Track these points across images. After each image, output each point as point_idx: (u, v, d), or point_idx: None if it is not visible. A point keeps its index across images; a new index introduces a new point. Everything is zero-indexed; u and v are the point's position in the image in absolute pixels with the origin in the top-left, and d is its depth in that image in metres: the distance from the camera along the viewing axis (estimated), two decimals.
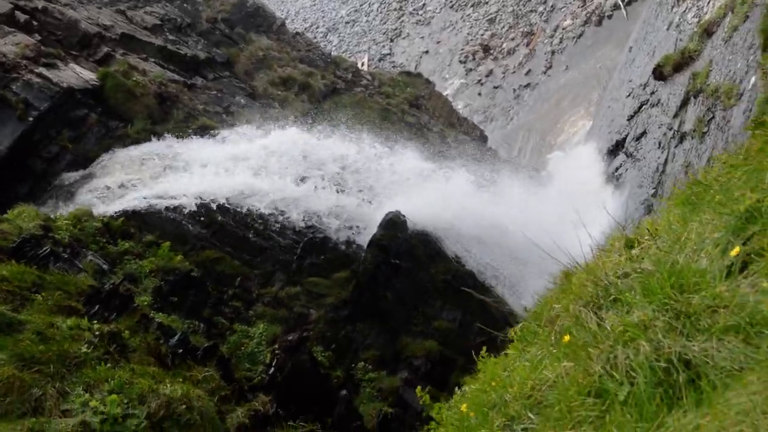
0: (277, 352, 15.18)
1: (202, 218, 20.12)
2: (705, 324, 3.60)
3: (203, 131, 24.31)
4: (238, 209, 20.88)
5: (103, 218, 18.08)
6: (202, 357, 11.91)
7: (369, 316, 19.79)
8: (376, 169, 25.26)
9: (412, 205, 22.44)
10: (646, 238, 5.48)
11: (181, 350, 11.24)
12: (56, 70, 22.34)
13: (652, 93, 25.60)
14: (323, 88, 33.03)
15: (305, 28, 66.37)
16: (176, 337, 11.67)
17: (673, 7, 27.47)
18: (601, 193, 27.83)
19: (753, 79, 14.25)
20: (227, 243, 20.10)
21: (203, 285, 17.24)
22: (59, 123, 21.30)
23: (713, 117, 17.30)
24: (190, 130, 24.06)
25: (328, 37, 67.08)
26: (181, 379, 9.67)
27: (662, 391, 3.35)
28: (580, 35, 49.53)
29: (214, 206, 20.50)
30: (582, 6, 51.12)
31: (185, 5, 33.05)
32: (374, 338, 19.36)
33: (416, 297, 20.87)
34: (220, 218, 20.41)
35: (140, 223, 19.06)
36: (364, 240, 21.58)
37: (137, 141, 22.54)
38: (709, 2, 23.19)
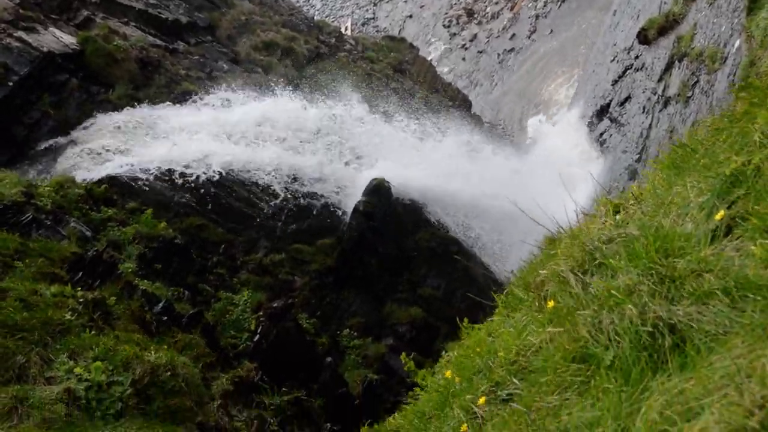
0: (261, 319, 15.19)
1: (185, 185, 20.03)
2: (690, 288, 3.60)
3: (186, 96, 24.10)
4: (221, 176, 20.79)
5: (85, 185, 17.95)
6: (187, 324, 11.90)
7: (354, 283, 19.86)
8: (360, 133, 25.18)
9: (396, 171, 22.42)
10: (631, 202, 5.48)
11: (165, 317, 11.22)
12: (36, 34, 22.03)
13: (637, 57, 25.54)
14: (307, 53, 32.78)
15: None
16: (161, 304, 11.64)
17: None
18: (587, 158, 27.88)
19: (737, 42, 14.22)
20: (211, 210, 20.03)
21: (187, 252, 17.19)
22: (40, 88, 21.05)
23: (697, 81, 17.29)
24: (172, 96, 23.86)
25: (311, 1, 66.46)
26: (165, 346, 9.66)
27: (647, 356, 3.35)
28: None
29: (197, 173, 20.40)
30: None
31: None
32: (359, 305, 19.44)
33: (401, 264, 20.94)
34: (203, 185, 20.32)
35: (123, 189, 18.96)
36: (348, 206, 21.57)
37: (119, 106, 22.32)
38: None
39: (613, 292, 3.80)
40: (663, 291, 3.66)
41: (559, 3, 49.32)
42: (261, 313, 15.70)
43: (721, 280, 3.52)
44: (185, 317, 12.14)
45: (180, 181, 20.01)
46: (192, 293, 15.59)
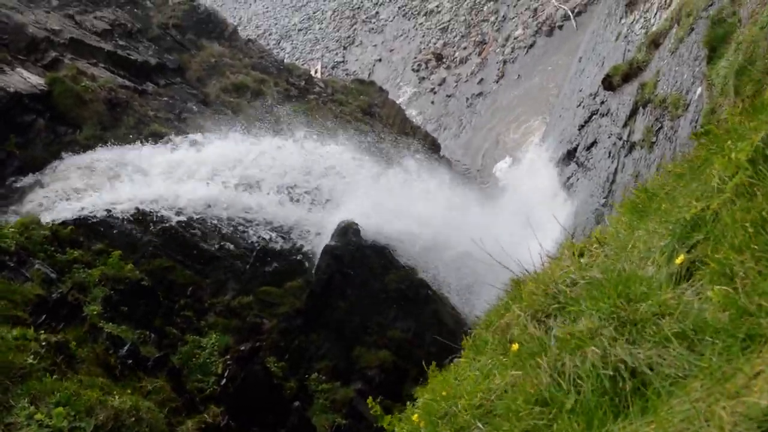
0: (229, 362, 15.05)
1: (152, 226, 19.89)
2: (651, 332, 3.64)
3: (154, 138, 24.03)
4: (190, 217, 20.68)
5: (51, 226, 17.76)
6: (153, 368, 11.76)
7: (323, 326, 19.74)
8: (330, 176, 25.22)
9: (365, 215, 22.44)
10: (595, 246, 5.54)
11: (130, 361, 11.08)
12: (3, 75, 21.94)
13: (602, 103, 25.91)
14: (276, 95, 32.88)
15: (258, 35, 66.03)
16: (126, 348, 11.51)
17: (621, 18, 27.88)
18: (553, 202, 28.07)
19: (699, 90, 14.52)
20: (179, 251, 19.88)
21: (154, 294, 17.01)
22: (6, 128, 20.90)
23: (661, 127, 17.58)
24: (141, 137, 23.78)
25: (281, 44, 66.80)
26: (130, 391, 9.54)
27: (608, 400, 3.38)
28: (532, 45, 49.99)
29: (165, 214, 20.27)
30: (533, 16, 51.64)
31: (136, 10, 32.70)
32: (328, 348, 19.30)
33: (370, 306, 20.86)
34: (171, 226, 20.19)
35: (90, 231, 18.77)
36: (317, 248, 21.53)
37: (87, 147, 22.20)
38: (656, 14, 23.58)
39: (575, 335, 3.84)
40: (624, 334, 3.71)
41: (526, 49, 50.02)
42: (228, 357, 15.56)
43: (681, 324, 3.57)
44: (151, 361, 12.00)
45: (147, 223, 19.86)
46: (158, 336, 15.40)
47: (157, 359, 12.09)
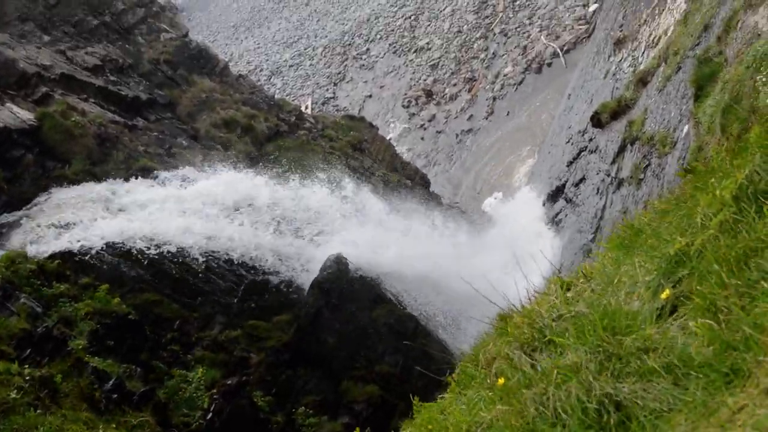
0: (215, 396, 14.95)
1: (140, 260, 19.82)
2: (635, 366, 3.67)
3: (144, 173, 24.02)
4: (178, 251, 20.63)
5: (37, 260, 17.69)
6: (138, 402, 11.66)
7: (310, 360, 19.64)
8: (318, 210, 25.24)
9: (354, 248, 22.44)
10: (581, 281, 5.58)
11: (116, 395, 10.99)
12: None
13: (591, 140, 26.10)
14: (266, 130, 32.95)
15: (249, 71, 66.38)
16: (111, 382, 11.41)
17: (609, 56, 28.19)
18: (542, 238, 28.15)
19: (686, 128, 14.64)
20: (166, 285, 19.79)
21: (141, 328, 16.90)
22: None
23: (649, 164, 17.70)
24: (130, 172, 23.78)
25: (271, 80, 67.17)
26: (115, 425, 9.46)
27: None
28: (521, 82, 50.43)
29: (152, 248, 20.21)
30: (522, 54, 52.16)
31: (127, 46, 32.86)
32: (315, 383, 19.19)
33: (358, 341, 20.79)
34: (158, 260, 20.12)
35: (77, 265, 18.69)
36: (305, 282, 21.48)
37: (75, 182, 22.15)
38: (644, 53, 23.85)
39: (560, 369, 3.85)
40: (609, 368, 3.72)
41: (515, 86, 50.44)
42: (215, 391, 15.46)
43: (666, 358, 3.60)
44: (136, 395, 11.91)
45: (135, 257, 19.79)
46: (145, 370, 15.26)
47: (143, 393, 12.00)
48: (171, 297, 19.57)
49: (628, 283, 4.87)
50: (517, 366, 4.34)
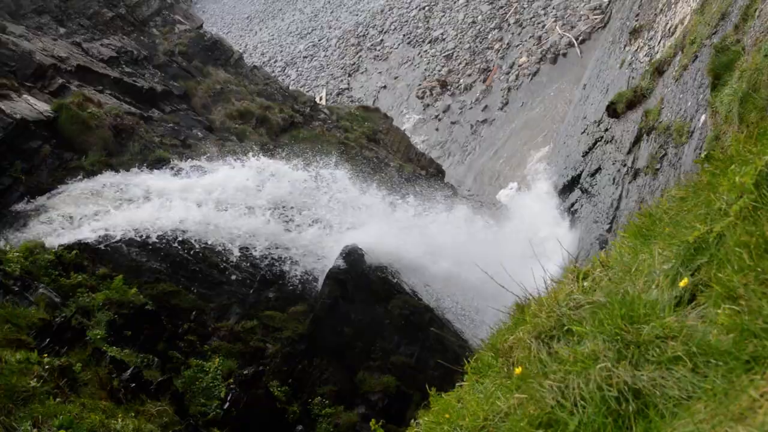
0: (232, 386, 15.01)
1: (157, 251, 19.90)
2: (654, 354, 3.64)
3: (159, 163, 24.12)
4: (194, 242, 20.71)
5: (56, 250, 17.79)
6: (156, 391, 11.71)
7: (326, 351, 19.68)
8: (334, 201, 25.25)
9: (370, 238, 22.43)
10: (599, 270, 5.53)
11: (133, 384, 11.04)
12: (9, 101, 22.06)
13: (606, 130, 25.97)
14: (281, 121, 33.04)
15: (263, 62, 66.52)
16: (129, 371, 11.47)
17: (625, 46, 28.02)
18: (558, 228, 28.08)
19: (703, 117, 14.55)
20: (182, 276, 19.88)
21: (158, 319, 16.97)
22: (12, 154, 20.98)
23: (665, 154, 17.59)
24: (146, 163, 23.88)
25: (286, 71, 67.23)
26: (133, 414, 9.51)
27: (612, 421, 3.38)
28: (536, 72, 50.23)
29: (169, 239, 20.29)
30: (537, 44, 51.93)
31: (142, 38, 32.98)
32: (331, 373, 19.22)
33: (374, 331, 20.81)
34: (175, 251, 20.20)
35: (94, 255, 18.79)
36: (321, 273, 21.51)
37: (92, 173, 22.26)
38: (660, 42, 23.69)
39: (579, 357, 3.83)
40: (628, 356, 3.70)
41: (530, 76, 50.25)
42: (231, 381, 15.52)
43: (685, 346, 3.56)
44: (154, 384, 11.96)
45: (152, 247, 19.87)
46: (162, 360, 15.32)
47: (160, 383, 12.05)
48: (187, 288, 19.65)
49: (645, 271, 4.82)
50: (534, 355, 4.32)
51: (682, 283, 4.23)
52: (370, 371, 19.62)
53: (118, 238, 19.52)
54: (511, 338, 5.08)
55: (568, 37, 49.80)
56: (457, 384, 5.84)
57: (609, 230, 21.43)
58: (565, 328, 4.49)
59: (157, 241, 20.04)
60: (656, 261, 4.85)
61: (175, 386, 13.27)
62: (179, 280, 19.70)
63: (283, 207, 23.75)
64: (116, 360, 11.69)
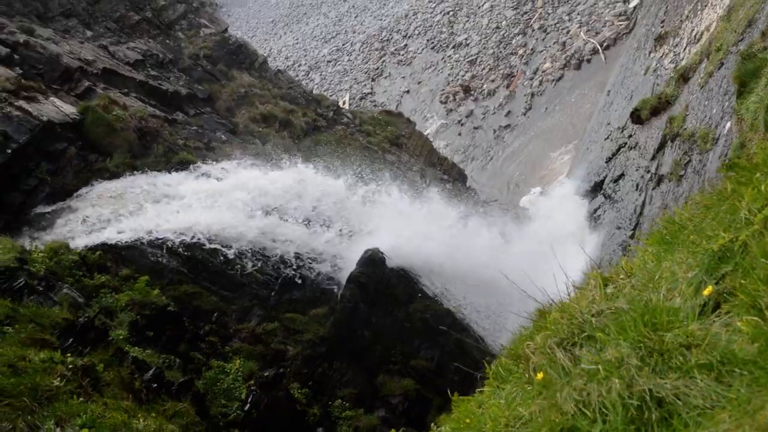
0: (253, 388, 15.05)
1: (179, 253, 20.01)
2: (677, 362, 3.59)
3: (183, 166, 24.24)
4: (217, 244, 20.79)
5: (80, 251, 17.92)
6: (177, 392, 11.76)
7: (347, 354, 19.69)
8: (354, 204, 25.28)
9: (390, 242, 22.42)
10: (621, 276, 5.49)
11: (155, 385, 11.09)
12: (36, 104, 22.26)
13: (630, 136, 25.82)
14: (304, 125, 33.15)
15: (287, 66, 66.76)
16: (151, 372, 11.51)
17: (650, 52, 27.85)
18: (580, 234, 27.94)
19: (728, 124, 14.42)
20: (205, 278, 19.97)
21: (180, 320, 17.05)
22: (38, 156, 21.16)
23: (690, 160, 17.45)
24: (170, 165, 24.01)
25: (309, 75, 67.47)
26: (154, 414, 9.54)
27: (634, 429, 3.34)
28: (560, 78, 50.12)
29: (192, 241, 20.39)
30: (561, 50, 51.79)
31: (168, 41, 33.21)
32: (351, 376, 19.22)
33: (394, 335, 20.80)
34: (197, 253, 20.30)
35: (117, 256, 18.94)
36: (343, 276, 21.53)
37: (116, 175, 22.42)
38: (685, 48, 23.53)
39: (601, 364, 3.80)
40: (651, 364, 3.66)
41: (554, 82, 50.12)
42: (252, 382, 15.56)
43: (709, 355, 3.51)
44: (175, 385, 12.00)
45: (174, 249, 19.99)
46: (183, 361, 15.39)
47: (182, 383, 12.08)
48: (209, 289, 19.74)
49: (669, 279, 4.76)
50: (556, 361, 4.28)
51: (706, 292, 4.18)
52: (390, 374, 19.60)
53: (141, 239, 19.65)
54: (532, 344, 5.04)
55: (593, 43, 49.64)
56: (478, 389, 5.81)
57: (632, 236, 21.29)
58: (587, 334, 4.45)
59: (179, 242, 20.14)
60: (680, 269, 4.80)
61: (197, 387, 13.33)
62: (201, 282, 19.79)
63: (307, 210, 23.76)
64: (138, 360, 11.74)
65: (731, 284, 4.10)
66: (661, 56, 25.98)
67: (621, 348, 3.88)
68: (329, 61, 68.00)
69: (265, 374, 15.56)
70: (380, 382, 19.35)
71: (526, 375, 4.71)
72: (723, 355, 3.47)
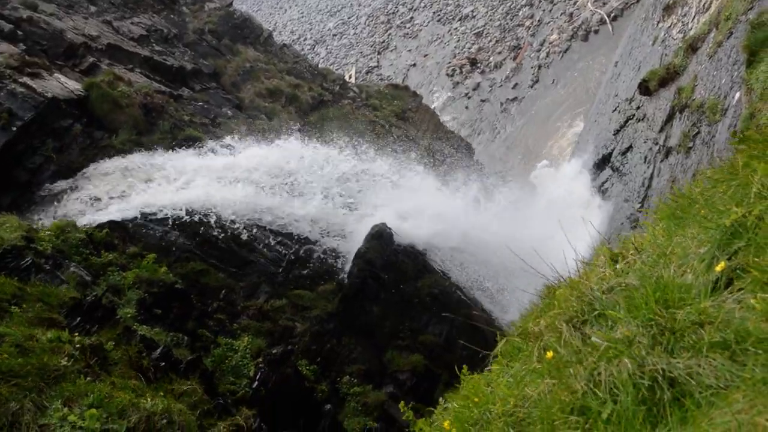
0: (261, 365, 15.06)
1: (186, 230, 19.98)
2: (690, 341, 3.55)
3: (189, 142, 24.17)
4: (224, 221, 20.75)
5: (86, 229, 17.90)
6: (185, 370, 11.75)
7: (355, 330, 19.69)
8: (363, 179, 25.19)
9: (398, 217, 22.35)
10: (631, 252, 5.43)
11: (163, 363, 11.07)
12: (41, 80, 22.19)
13: (638, 108, 25.65)
14: (310, 100, 33.02)
15: (293, 40, 66.52)
16: (159, 350, 11.50)
17: (658, 22, 27.59)
18: (588, 207, 27.85)
19: (737, 94, 14.29)
20: (212, 255, 19.95)
21: (187, 297, 17.03)
22: (43, 133, 21.11)
23: (698, 132, 17.32)
24: (176, 141, 23.94)
25: (315, 49, 67.23)
26: (162, 393, 9.54)
27: (646, 410, 3.29)
28: (567, 50, 49.81)
29: (199, 218, 20.35)
30: (568, 21, 51.41)
31: (172, 16, 33.01)
32: (360, 352, 19.23)
33: (402, 311, 20.78)
34: (205, 230, 20.27)
35: (124, 234, 18.93)
36: (350, 252, 21.49)
37: (122, 152, 22.36)
38: (694, 18, 23.28)
39: (611, 343, 3.75)
40: (663, 343, 3.61)
41: (561, 54, 49.82)
42: (260, 360, 15.57)
43: (722, 333, 3.48)
44: (183, 363, 11.99)
45: (181, 226, 19.96)
46: (191, 339, 15.37)
47: (190, 362, 12.07)
48: (217, 267, 19.73)
49: (680, 255, 4.71)
50: (566, 339, 4.23)
51: (718, 268, 4.12)
52: (399, 350, 19.61)
53: (148, 217, 19.63)
54: (541, 322, 5.00)
55: (600, 13, 49.28)
56: (486, 367, 5.78)
57: (640, 209, 21.20)
58: (597, 312, 4.40)
59: (187, 220, 20.11)
60: (691, 244, 4.74)
61: (205, 365, 13.33)
62: (208, 259, 19.77)
63: (313, 186, 23.67)
64: (146, 339, 11.73)
65: (744, 260, 4.05)
66: (669, 26, 25.73)
67: (632, 326, 3.85)
68: (335, 35, 67.72)
69: (274, 351, 15.56)
70: (388, 358, 19.35)
71: (536, 353, 4.67)
72: (737, 333, 3.42)
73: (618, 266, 5.21)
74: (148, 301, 15.10)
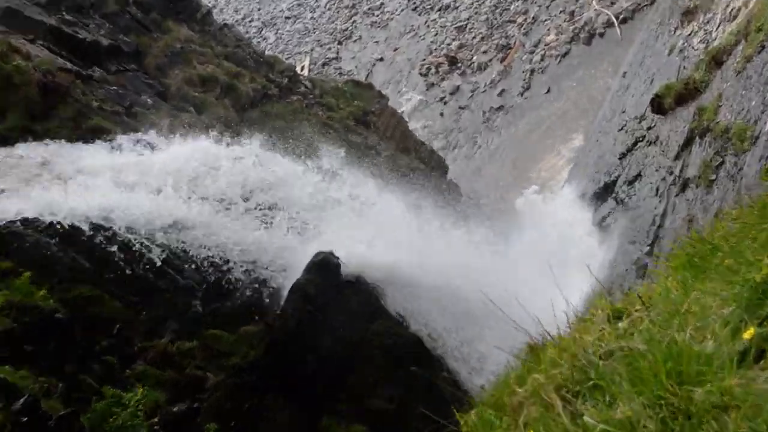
0: (156, 427, 14.70)
1: (77, 244, 19.52)
2: (710, 428, 3.46)
3: (95, 134, 23.82)
4: (128, 235, 20.33)
5: None
6: (55, 429, 11.36)
7: (283, 386, 19.28)
8: (306, 196, 25.04)
9: (347, 245, 22.13)
10: (638, 308, 5.41)
11: (26, 418, 10.68)
12: None
13: (650, 128, 26.04)
14: (252, 92, 33.06)
15: (236, 21, 66.68)
16: (21, 401, 11.09)
17: (676, 29, 28.07)
18: (584, 246, 28.07)
19: None
20: (108, 278, 19.48)
21: (69, 331, 16.56)
22: None
23: (722, 162, 17.51)
24: (78, 132, 23.60)
25: (263, 32, 67.48)
26: None
27: None
28: (566, 54, 50.46)
29: (95, 230, 19.90)
30: (569, 20, 52.11)
31: None
32: (287, 416, 18.82)
33: (346, 364, 20.48)
34: (101, 245, 19.83)
35: None
36: (285, 285, 21.21)
37: (9, 140, 21.97)
38: (718, 26, 23.71)
39: (610, 425, 3.69)
40: (675, 430, 3.54)
41: (558, 58, 50.42)
42: (156, 419, 15.21)
43: (751, 423, 3.37)
44: (53, 420, 11.60)
45: (72, 239, 19.49)
46: (68, 386, 14.88)
47: (62, 418, 11.67)
48: (113, 293, 19.24)
49: (698, 315, 4.73)
50: (553, 416, 4.11)
51: (746, 335, 4.12)
52: (337, 417, 19.28)
53: (30, 223, 19.10)
54: (521, 390, 4.88)
55: (607, 14, 50.08)
56: None
57: (649, 254, 21.39)
58: (593, 382, 4.34)
59: (80, 230, 19.63)
60: (713, 302, 4.70)
61: (81, 423, 12.93)
62: (103, 282, 19.29)
63: (245, 200, 23.42)
64: (6, 384, 11.31)
65: None
66: (689, 34, 26.17)
67: (635, 405, 3.76)
68: (288, 18, 68.05)
69: (174, 409, 15.25)
70: (324, 426, 19.03)
71: (513, 431, 4.56)
72: None
73: (620, 325, 5.19)
74: (17, 333, 14.60)
